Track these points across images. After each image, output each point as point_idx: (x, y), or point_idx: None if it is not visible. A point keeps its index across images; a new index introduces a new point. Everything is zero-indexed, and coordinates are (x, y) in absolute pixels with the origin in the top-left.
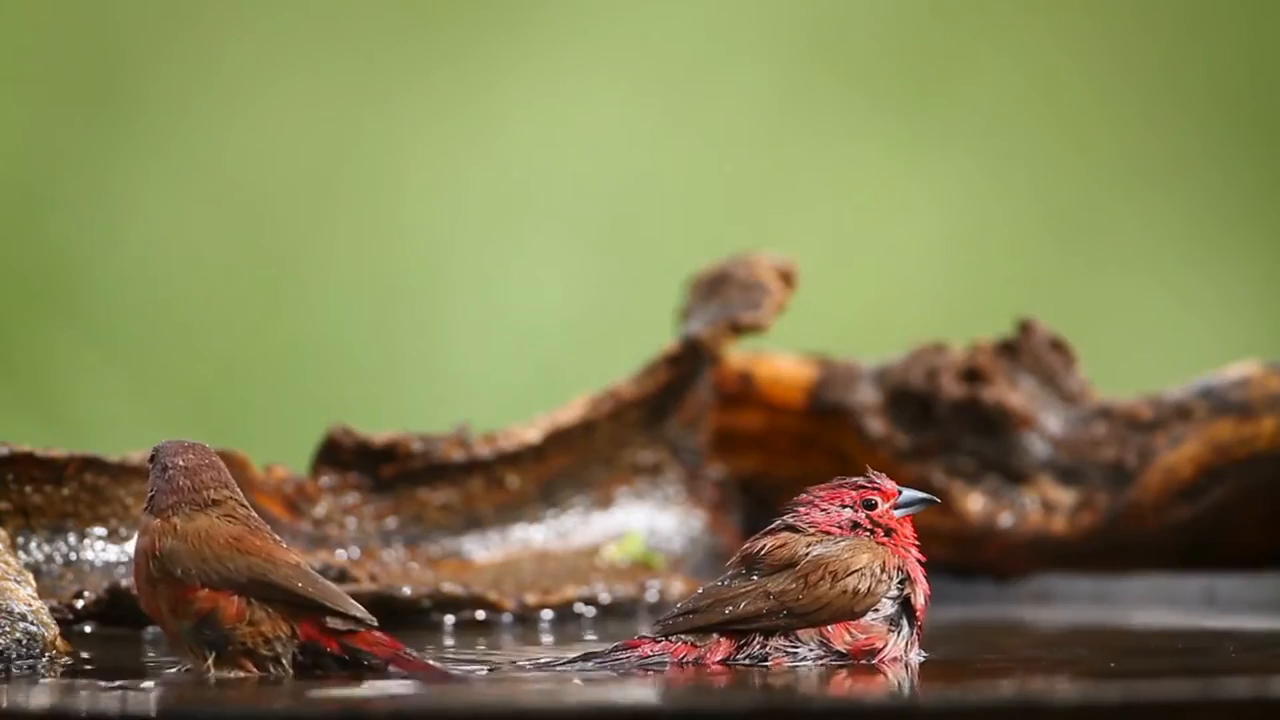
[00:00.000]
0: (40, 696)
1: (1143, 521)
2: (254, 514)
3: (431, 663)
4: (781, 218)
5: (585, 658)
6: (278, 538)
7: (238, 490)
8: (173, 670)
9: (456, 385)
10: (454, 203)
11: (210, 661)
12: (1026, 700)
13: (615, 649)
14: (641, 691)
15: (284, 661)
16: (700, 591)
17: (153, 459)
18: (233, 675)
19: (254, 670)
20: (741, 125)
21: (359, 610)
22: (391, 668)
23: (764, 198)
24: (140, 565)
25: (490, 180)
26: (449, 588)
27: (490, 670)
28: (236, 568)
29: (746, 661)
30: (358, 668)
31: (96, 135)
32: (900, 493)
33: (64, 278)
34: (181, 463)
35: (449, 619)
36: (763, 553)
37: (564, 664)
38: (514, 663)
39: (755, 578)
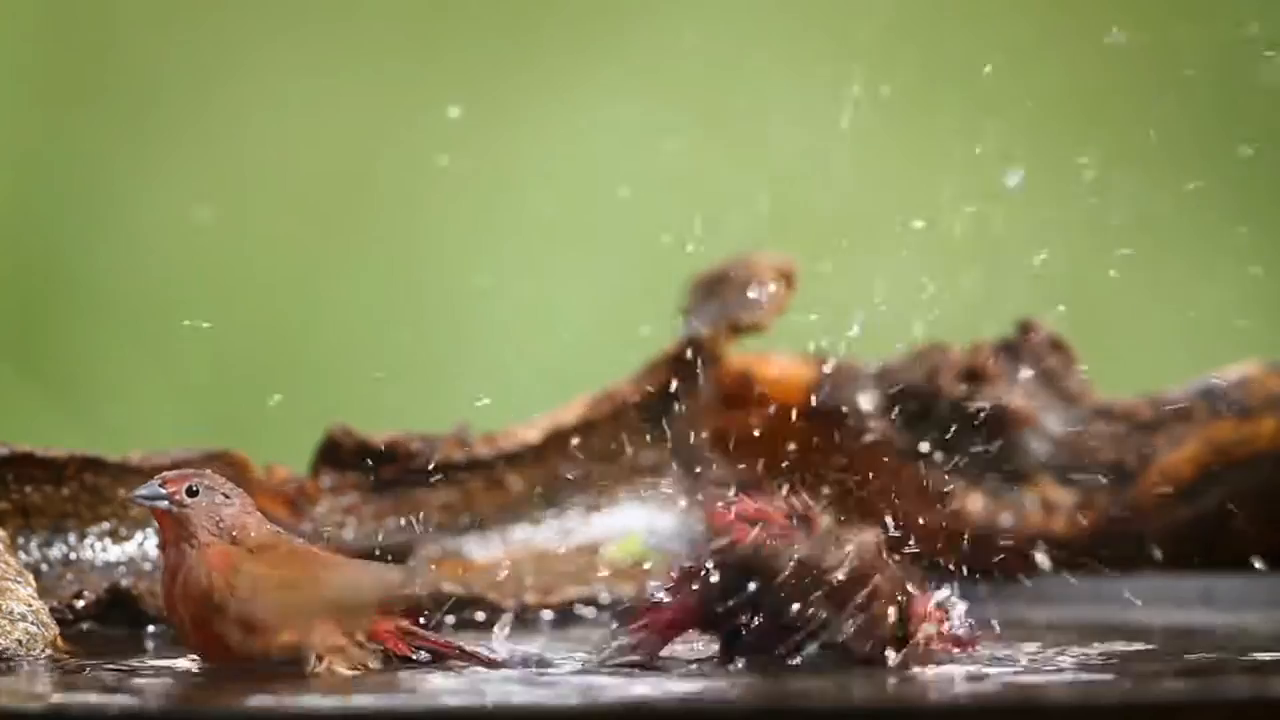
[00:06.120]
0: (40, 696)
1: (1143, 522)
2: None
3: (483, 651)
4: (796, 222)
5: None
6: None
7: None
8: (172, 669)
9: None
10: (478, 208)
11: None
12: (1026, 700)
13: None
14: (641, 690)
15: (372, 659)
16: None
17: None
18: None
19: (351, 669)
20: (759, 133)
21: None
22: (459, 661)
23: (779, 203)
24: (207, 606)
25: (515, 188)
26: (449, 588)
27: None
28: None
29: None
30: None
31: (118, 136)
32: None
33: (85, 276)
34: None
35: (449, 619)
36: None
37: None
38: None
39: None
